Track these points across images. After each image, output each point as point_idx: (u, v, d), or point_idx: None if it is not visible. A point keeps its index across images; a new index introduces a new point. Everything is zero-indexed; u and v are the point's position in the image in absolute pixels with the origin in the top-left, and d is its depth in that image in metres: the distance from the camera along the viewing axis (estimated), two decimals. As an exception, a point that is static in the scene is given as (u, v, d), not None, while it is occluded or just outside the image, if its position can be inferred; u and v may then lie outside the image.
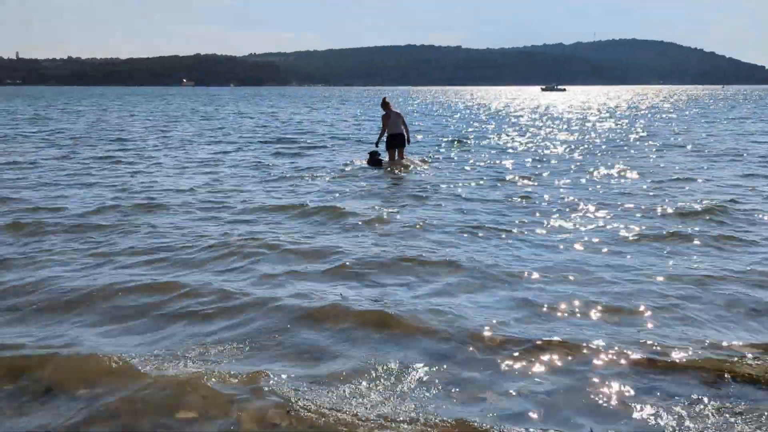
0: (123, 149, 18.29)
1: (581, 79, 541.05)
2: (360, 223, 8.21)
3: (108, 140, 21.03)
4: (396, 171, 13.47)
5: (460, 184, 11.69)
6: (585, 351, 4.24)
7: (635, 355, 4.16)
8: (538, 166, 14.54)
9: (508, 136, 23.22)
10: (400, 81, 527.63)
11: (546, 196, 10.18)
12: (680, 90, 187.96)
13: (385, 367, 4.01)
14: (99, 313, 5.05)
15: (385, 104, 14.37)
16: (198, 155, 16.88)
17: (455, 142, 20.16)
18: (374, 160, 14.23)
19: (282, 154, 17.14)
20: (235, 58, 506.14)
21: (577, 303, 5.18)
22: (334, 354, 4.26)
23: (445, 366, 4.05)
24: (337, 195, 10.48)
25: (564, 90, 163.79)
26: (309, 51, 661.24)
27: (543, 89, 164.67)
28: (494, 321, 4.76)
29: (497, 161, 15.46)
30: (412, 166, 14.10)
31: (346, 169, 14.05)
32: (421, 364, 4.06)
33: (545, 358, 4.16)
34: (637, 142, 19.99)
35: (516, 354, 4.22)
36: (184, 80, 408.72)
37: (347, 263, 6.24)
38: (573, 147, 18.70)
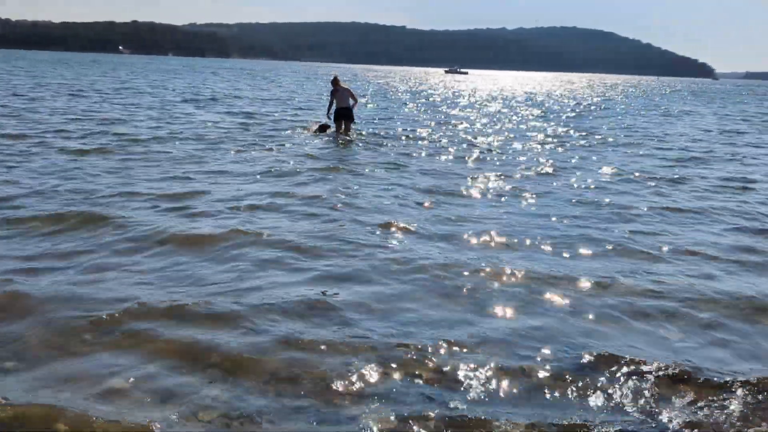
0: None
1: (521, 64, 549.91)
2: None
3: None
4: (340, 140, 15.00)
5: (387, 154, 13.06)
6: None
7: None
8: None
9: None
10: (343, 58, 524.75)
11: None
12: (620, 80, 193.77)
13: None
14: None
15: (335, 81, 15.91)
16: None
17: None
18: (322, 128, 16.08)
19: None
20: (175, 27, 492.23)
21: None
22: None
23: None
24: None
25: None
26: (252, 23, 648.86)
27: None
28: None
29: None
30: (355, 136, 15.65)
31: (296, 135, 15.54)
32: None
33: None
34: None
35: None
36: (121, 47, 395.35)
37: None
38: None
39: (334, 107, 15.91)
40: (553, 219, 7.68)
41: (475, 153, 13.51)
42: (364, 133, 16.43)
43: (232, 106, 24.24)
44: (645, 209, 8.38)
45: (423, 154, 12.97)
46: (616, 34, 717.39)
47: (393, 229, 6.90)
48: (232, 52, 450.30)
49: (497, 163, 12.33)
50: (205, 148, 12.60)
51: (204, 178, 9.48)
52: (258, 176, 9.81)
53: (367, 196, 8.70)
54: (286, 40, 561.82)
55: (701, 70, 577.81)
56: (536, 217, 7.75)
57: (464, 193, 9.09)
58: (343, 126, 15.86)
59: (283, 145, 13.70)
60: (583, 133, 18.81)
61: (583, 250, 6.33)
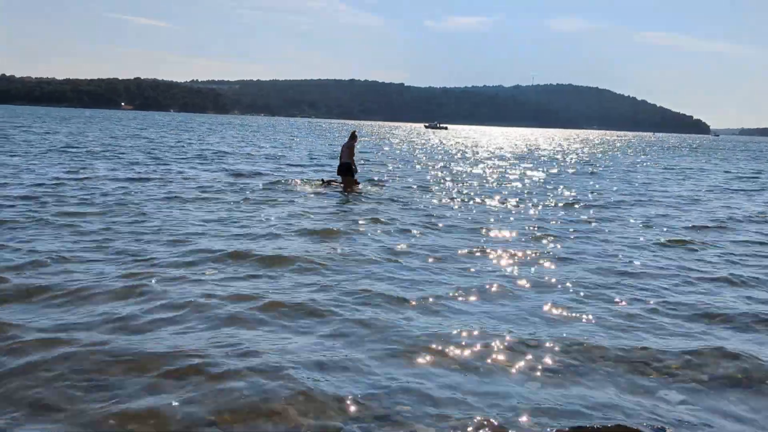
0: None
1: (518, 120, 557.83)
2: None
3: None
4: (340, 196, 15.23)
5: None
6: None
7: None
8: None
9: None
10: (343, 114, 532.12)
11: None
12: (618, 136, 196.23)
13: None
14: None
15: (352, 136, 16.27)
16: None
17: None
18: (329, 182, 16.94)
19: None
20: (177, 84, 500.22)
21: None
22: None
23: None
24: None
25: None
26: (253, 80, 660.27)
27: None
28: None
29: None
30: (355, 192, 15.84)
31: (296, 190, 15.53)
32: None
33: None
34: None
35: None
36: (123, 104, 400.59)
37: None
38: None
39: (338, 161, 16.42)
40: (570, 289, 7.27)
41: (471, 214, 13.29)
42: (360, 187, 16.28)
43: (226, 162, 24.09)
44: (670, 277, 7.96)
45: (416, 219, 12.61)
46: (611, 91, 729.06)
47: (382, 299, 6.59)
48: (232, 109, 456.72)
49: (499, 226, 11.97)
50: (190, 209, 12.24)
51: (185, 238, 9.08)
52: (241, 239, 9.42)
53: (363, 267, 8.32)
54: (286, 97, 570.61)
55: (696, 126, 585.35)
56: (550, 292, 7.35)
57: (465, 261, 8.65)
58: (342, 181, 16.19)
59: (280, 201, 13.47)
60: (591, 193, 18.52)
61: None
